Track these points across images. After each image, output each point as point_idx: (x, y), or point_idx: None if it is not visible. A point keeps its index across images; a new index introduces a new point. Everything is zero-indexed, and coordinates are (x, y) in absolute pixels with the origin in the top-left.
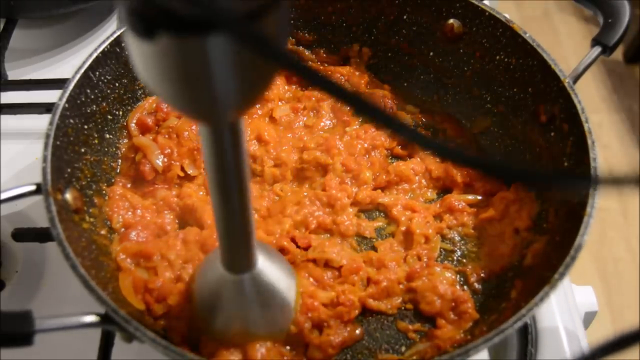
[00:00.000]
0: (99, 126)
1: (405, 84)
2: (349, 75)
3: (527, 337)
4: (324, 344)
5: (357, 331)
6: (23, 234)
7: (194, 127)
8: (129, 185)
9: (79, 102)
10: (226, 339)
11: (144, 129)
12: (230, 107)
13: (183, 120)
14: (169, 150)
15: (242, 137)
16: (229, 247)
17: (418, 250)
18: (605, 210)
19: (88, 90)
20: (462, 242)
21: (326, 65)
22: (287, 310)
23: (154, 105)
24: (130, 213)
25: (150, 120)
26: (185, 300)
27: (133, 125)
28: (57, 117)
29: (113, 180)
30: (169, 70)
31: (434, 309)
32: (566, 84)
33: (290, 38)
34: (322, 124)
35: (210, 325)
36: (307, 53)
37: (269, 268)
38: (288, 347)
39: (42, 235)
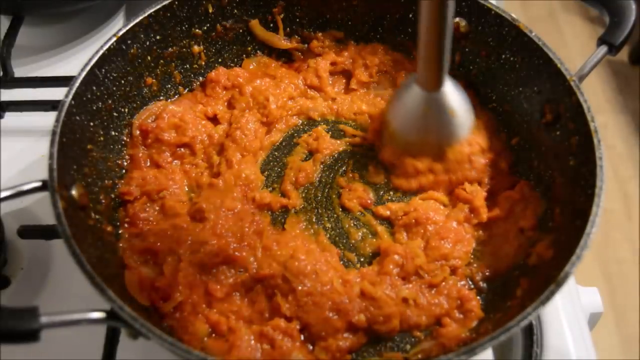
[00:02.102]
0: (105, 123)
1: None
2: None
3: (532, 338)
4: None
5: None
6: (28, 231)
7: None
8: None
9: (85, 99)
10: (407, 148)
11: (145, 135)
12: None
13: (178, 133)
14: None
15: None
16: (427, 63)
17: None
18: (609, 212)
19: (94, 88)
20: None
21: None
22: (464, 128)
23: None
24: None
25: (153, 125)
26: None
27: (137, 132)
28: (63, 114)
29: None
30: None
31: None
32: (572, 83)
33: (296, 36)
34: None
35: (397, 134)
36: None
37: (453, 93)
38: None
39: (47, 232)
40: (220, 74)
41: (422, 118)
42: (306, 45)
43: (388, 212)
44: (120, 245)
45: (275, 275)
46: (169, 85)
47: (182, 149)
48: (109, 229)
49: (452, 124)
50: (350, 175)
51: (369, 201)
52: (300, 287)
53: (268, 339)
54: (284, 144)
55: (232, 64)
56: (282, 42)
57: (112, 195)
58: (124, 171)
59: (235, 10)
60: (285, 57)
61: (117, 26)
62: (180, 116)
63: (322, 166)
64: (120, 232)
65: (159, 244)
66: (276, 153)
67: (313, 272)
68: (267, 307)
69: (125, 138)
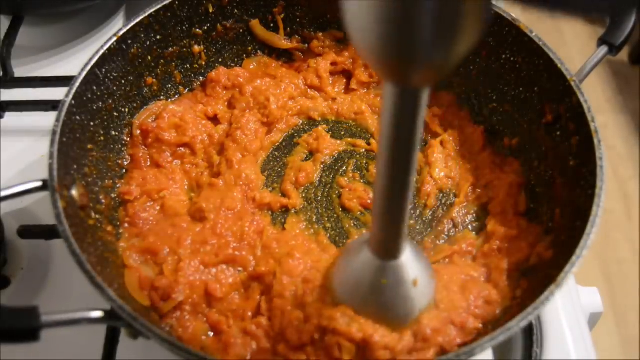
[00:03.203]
0: (105, 123)
1: None
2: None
3: (533, 338)
4: None
5: None
6: (29, 231)
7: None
8: None
9: (85, 99)
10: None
11: (145, 134)
12: (429, 59)
13: (178, 133)
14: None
15: (423, 112)
16: (383, 230)
17: None
18: (609, 212)
19: (94, 88)
20: None
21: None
22: (416, 305)
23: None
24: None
25: (153, 125)
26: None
27: (138, 132)
28: (63, 114)
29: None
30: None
31: None
32: (572, 83)
33: (296, 36)
34: None
35: (345, 302)
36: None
37: (412, 262)
38: None
39: (47, 232)
40: (220, 73)
41: (376, 291)
42: (306, 45)
43: None
44: (121, 245)
45: (270, 272)
46: (170, 85)
47: (183, 149)
48: (109, 229)
49: (411, 297)
50: (351, 175)
51: (369, 201)
52: (277, 287)
53: (251, 335)
54: (284, 144)
55: (232, 64)
56: (282, 42)
57: (112, 195)
58: (124, 171)
59: (236, 10)
60: (286, 57)
61: (117, 26)
62: (180, 116)
63: (322, 166)
64: (120, 232)
65: (159, 243)
66: (276, 153)
67: (300, 275)
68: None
69: (125, 138)
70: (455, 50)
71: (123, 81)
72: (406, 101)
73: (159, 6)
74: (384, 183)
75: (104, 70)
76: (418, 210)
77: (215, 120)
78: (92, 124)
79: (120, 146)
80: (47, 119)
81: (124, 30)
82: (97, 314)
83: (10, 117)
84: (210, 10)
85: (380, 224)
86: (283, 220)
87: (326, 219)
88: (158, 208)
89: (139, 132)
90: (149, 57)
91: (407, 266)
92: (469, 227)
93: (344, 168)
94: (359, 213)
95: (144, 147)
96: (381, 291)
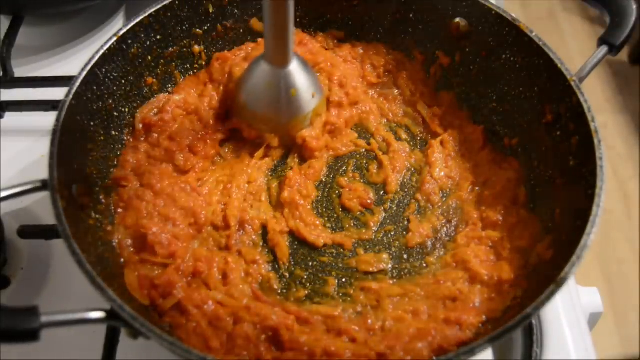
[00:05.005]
0: (105, 123)
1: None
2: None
3: (533, 338)
4: None
5: None
6: (28, 231)
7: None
8: None
9: (85, 99)
10: (254, 119)
11: (147, 128)
12: None
13: (181, 123)
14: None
15: None
16: (273, 39)
17: None
18: (609, 212)
19: (94, 87)
20: None
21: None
22: (307, 103)
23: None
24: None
25: (155, 118)
26: None
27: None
28: (63, 113)
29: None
30: None
31: None
32: (572, 83)
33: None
34: None
35: (247, 108)
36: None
37: (300, 72)
38: None
39: (47, 232)
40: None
41: (267, 91)
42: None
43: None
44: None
45: None
46: (170, 85)
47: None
48: (109, 228)
49: (294, 101)
50: (351, 175)
51: (369, 201)
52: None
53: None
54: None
55: None
56: None
57: (112, 195)
58: None
59: (236, 10)
60: None
61: (117, 26)
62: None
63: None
64: (116, 222)
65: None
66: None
67: None
68: None
69: (125, 138)
70: None
71: (123, 81)
72: None
73: (159, 6)
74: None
75: (104, 70)
76: (418, 210)
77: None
78: (92, 124)
79: (120, 146)
80: (47, 119)
81: (124, 30)
82: (97, 314)
83: (10, 117)
84: (210, 10)
85: (269, 35)
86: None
87: (326, 218)
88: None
89: (141, 126)
90: (149, 57)
91: (291, 75)
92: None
93: (344, 168)
94: (359, 213)
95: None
96: (270, 92)
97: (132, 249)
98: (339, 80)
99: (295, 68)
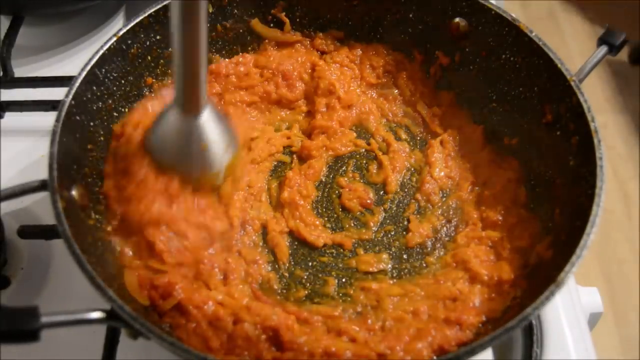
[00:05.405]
0: (105, 123)
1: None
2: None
3: (533, 338)
4: None
5: None
6: (28, 231)
7: None
8: None
9: (85, 99)
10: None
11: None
12: None
13: None
14: None
15: None
16: (182, 81)
17: None
18: (609, 212)
19: (94, 88)
20: None
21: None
22: (219, 159)
23: None
24: None
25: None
26: None
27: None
28: (63, 114)
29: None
30: None
31: None
32: (572, 83)
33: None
34: None
35: (157, 157)
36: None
37: (213, 122)
38: None
39: (47, 232)
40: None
41: (175, 142)
42: (308, 42)
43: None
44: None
45: None
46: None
47: None
48: (109, 229)
49: (204, 156)
50: (351, 175)
51: (369, 201)
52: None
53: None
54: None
55: None
56: (286, 35)
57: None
58: None
59: (236, 10)
60: None
61: (117, 26)
62: None
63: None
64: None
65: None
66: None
67: None
68: None
69: None
70: None
71: (123, 81)
72: None
73: (159, 6)
74: (179, 42)
75: (103, 70)
76: (418, 210)
77: None
78: (92, 124)
79: None
80: (47, 119)
81: (124, 30)
82: (97, 314)
83: (10, 117)
84: (210, 10)
85: (180, 77)
86: None
87: (326, 218)
88: None
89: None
90: (149, 57)
91: (203, 129)
92: (470, 221)
93: (344, 168)
94: (358, 213)
95: None
96: (180, 144)
97: (131, 254)
98: (325, 88)
99: (207, 119)
